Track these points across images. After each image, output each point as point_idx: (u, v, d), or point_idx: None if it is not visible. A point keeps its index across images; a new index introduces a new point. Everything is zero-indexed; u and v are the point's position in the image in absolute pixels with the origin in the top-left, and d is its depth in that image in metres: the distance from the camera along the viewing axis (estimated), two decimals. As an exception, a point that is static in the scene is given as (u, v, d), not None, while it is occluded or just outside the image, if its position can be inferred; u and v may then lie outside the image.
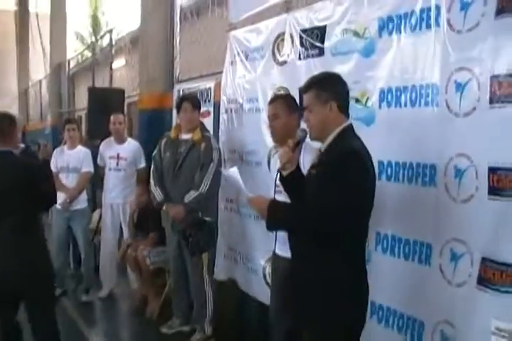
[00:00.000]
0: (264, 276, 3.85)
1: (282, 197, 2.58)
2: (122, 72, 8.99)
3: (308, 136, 2.44)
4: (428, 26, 2.54)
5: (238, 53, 4.17)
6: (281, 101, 3.05)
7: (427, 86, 2.53)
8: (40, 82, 14.25)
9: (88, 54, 10.93)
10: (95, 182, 6.00)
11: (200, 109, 4.18)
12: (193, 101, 4.12)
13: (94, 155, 5.42)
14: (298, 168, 2.43)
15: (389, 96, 2.74)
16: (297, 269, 2.36)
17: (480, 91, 2.21)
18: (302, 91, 2.39)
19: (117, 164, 5.23)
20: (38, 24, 13.72)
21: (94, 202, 7.06)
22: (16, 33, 17.08)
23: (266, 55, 3.81)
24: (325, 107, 2.27)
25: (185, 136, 4.11)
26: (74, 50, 14.03)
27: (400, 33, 2.69)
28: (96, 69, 9.08)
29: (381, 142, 2.73)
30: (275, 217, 2.27)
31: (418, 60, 2.58)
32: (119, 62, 9.43)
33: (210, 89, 4.76)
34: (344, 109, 2.33)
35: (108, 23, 17.84)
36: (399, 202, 2.70)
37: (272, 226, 2.33)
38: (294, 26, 3.49)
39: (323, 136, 2.31)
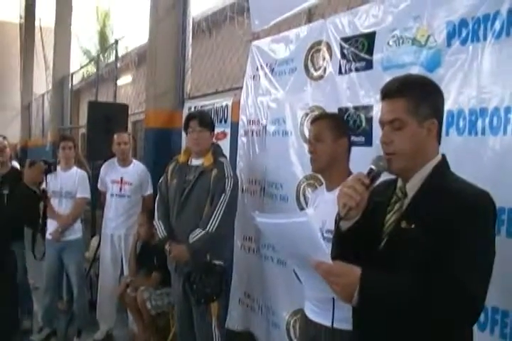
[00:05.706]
0: (288, 332, 3.26)
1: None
2: (128, 89, 8.58)
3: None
4: (520, 31, 2.02)
5: (262, 66, 3.64)
6: (328, 120, 2.39)
7: (516, 108, 2.00)
8: (43, 96, 13.91)
9: (94, 69, 10.59)
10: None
11: (212, 128, 3.53)
12: (201, 119, 3.48)
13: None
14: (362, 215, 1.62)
15: (460, 122, 2.23)
16: None
17: None
18: (386, 94, 1.61)
19: (120, 189, 4.67)
20: (42, 37, 13.44)
21: (94, 227, 6.51)
22: (21, 46, 16.83)
23: (297, 69, 3.28)
24: (422, 127, 1.57)
25: (195, 162, 3.50)
26: (80, 66, 13.72)
27: (478, 40, 2.18)
28: (100, 85, 8.70)
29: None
30: (373, 293, 1.46)
31: (503, 74, 2.08)
32: (125, 79, 9.05)
33: (227, 107, 4.18)
34: (440, 135, 1.65)
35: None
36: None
37: (367, 307, 1.51)
38: (332, 34, 2.98)
39: (411, 169, 1.60)
